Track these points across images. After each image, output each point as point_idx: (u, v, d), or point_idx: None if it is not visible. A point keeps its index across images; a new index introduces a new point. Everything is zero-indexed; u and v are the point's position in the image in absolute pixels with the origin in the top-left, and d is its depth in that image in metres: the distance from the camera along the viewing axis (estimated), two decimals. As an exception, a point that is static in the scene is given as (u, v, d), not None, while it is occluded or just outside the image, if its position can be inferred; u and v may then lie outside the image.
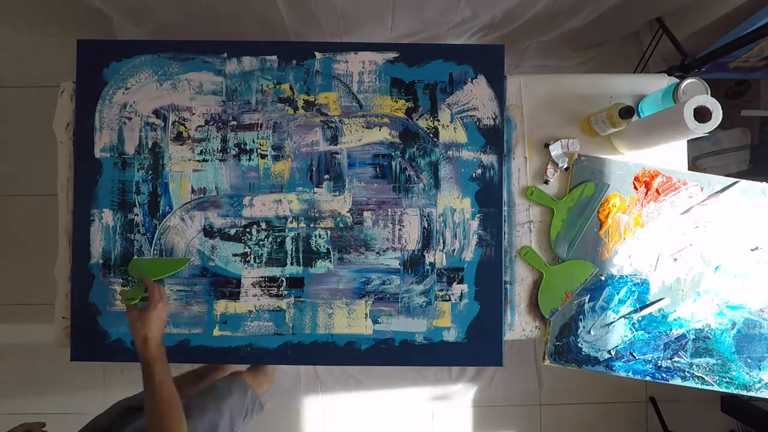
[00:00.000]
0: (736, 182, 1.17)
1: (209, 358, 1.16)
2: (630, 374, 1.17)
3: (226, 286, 1.16)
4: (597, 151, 1.20)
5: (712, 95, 1.02)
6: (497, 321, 1.17)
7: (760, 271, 1.18)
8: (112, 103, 1.15)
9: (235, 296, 1.16)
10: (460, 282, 1.17)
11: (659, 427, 2.02)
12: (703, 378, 1.18)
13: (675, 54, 1.57)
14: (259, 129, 1.16)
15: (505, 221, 1.18)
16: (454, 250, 1.17)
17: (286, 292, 1.16)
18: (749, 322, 1.18)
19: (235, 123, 1.16)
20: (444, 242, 1.17)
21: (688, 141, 1.21)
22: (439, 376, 2.09)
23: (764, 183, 1.18)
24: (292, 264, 1.16)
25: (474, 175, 1.17)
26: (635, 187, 1.17)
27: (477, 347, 1.16)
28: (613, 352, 1.16)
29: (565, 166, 1.19)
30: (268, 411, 2.05)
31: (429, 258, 1.17)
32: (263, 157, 1.16)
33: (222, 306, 1.15)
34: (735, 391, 1.18)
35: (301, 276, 1.16)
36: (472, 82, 1.17)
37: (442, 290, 1.17)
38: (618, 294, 1.17)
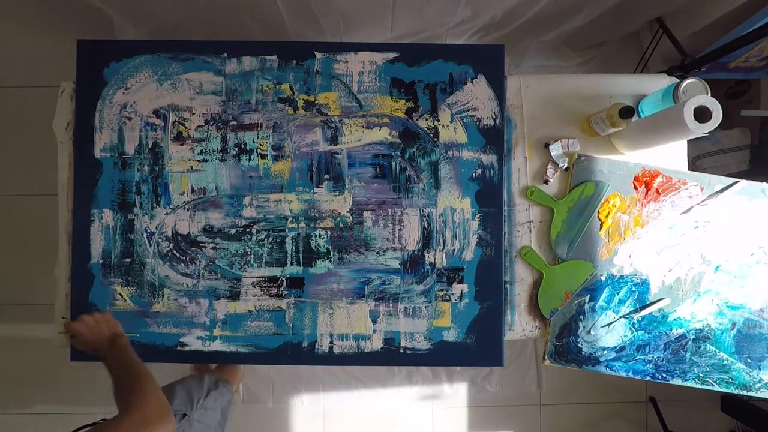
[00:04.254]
0: (736, 182, 1.17)
1: (209, 358, 1.16)
2: (630, 374, 1.17)
3: (226, 286, 1.16)
4: (597, 151, 1.20)
5: (712, 95, 1.02)
6: (497, 321, 1.17)
7: (760, 271, 1.18)
8: (112, 103, 1.15)
9: (235, 296, 1.16)
10: (460, 282, 1.17)
11: (659, 427, 2.02)
12: (703, 378, 1.18)
13: (675, 54, 1.58)
14: (259, 129, 1.16)
15: (505, 221, 1.18)
16: (454, 250, 1.17)
17: (286, 292, 1.16)
18: (749, 322, 1.18)
19: (235, 123, 1.16)
20: (444, 242, 1.17)
21: (688, 141, 1.21)
22: (438, 376, 2.09)
23: (764, 183, 1.18)
24: (292, 264, 1.16)
25: (474, 175, 1.17)
26: (635, 187, 1.17)
27: (477, 347, 1.17)
28: (613, 352, 1.16)
29: (565, 166, 1.19)
30: (269, 411, 2.06)
31: (429, 258, 1.17)
32: (263, 157, 1.16)
33: (222, 306, 1.16)
34: (735, 391, 1.18)
35: (301, 276, 1.16)
36: (472, 82, 1.17)
37: (442, 290, 1.17)
38: (618, 294, 1.17)
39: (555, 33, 1.76)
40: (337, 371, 2.08)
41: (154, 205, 1.15)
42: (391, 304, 1.17)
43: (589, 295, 1.17)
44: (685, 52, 1.50)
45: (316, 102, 1.16)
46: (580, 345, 1.17)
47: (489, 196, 1.17)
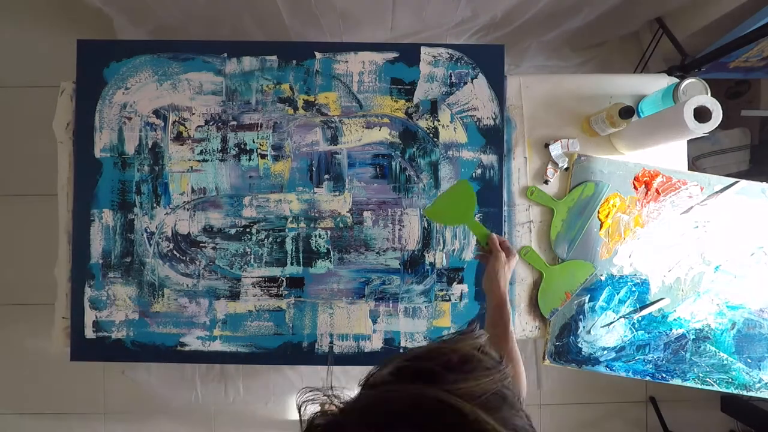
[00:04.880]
0: (736, 182, 1.17)
1: (209, 358, 1.16)
2: (630, 374, 1.17)
3: (227, 286, 1.16)
4: (597, 151, 1.20)
5: (712, 95, 1.02)
6: (497, 321, 1.16)
7: (760, 271, 1.18)
8: (112, 103, 1.15)
9: (235, 296, 1.16)
10: (460, 282, 1.17)
11: (659, 427, 2.01)
12: (703, 378, 1.18)
13: (675, 54, 1.58)
14: (259, 129, 1.16)
15: (505, 221, 1.18)
16: (454, 250, 1.17)
17: (286, 292, 1.16)
18: (749, 322, 1.18)
19: (235, 123, 1.16)
20: (444, 242, 1.17)
21: (688, 141, 1.21)
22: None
23: (764, 183, 1.18)
24: (292, 264, 1.16)
25: (474, 175, 1.17)
26: (635, 187, 1.17)
27: (477, 347, 1.16)
28: (613, 352, 1.16)
29: (565, 166, 1.18)
30: (269, 411, 2.06)
31: (429, 258, 1.17)
32: (263, 157, 1.16)
33: (222, 306, 1.16)
34: (735, 391, 1.18)
35: (301, 276, 1.16)
36: (472, 82, 1.17)
37: (442, 290, 1.17)
38: (618, 294, 1.17)
39: (555, 33, 1.76)
40: (337, 371, 2.07)
41: (154, 205, 1.15)
42: (391, 304, 1.17)
43: (589, 295, 1.17)
44: (685, 52, 1.50)
45: (316, 102, 1.16)
46: (580, 345, 1.17)
47: (489, 196, 1.17)
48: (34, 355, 2.03)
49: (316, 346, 1.17)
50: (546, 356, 1.18)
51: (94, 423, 2.05)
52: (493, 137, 1.17)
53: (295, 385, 2.07)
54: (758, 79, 1.69)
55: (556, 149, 1.18)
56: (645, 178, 1.17)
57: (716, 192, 1.17)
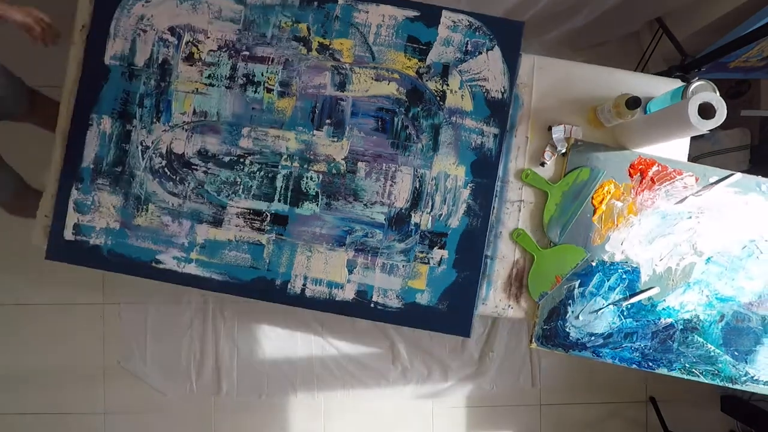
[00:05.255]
0: (731, 174, 1.16)
1: (182, 280, 1.13)
2: (616, 361, 1.13)
3: (211, 211, 1.14)
4: (599, 144, 1.20)
5: (714, 95, 1.02)
6: (471, 292, 1.14)
7: (751, 265, 1.16)
8: (130, 14, 1.16)
9: (217, 223, 1.14)
10: (442, 247, 1.15)
11: (659, 427, 1.96)
12: (689, 368, 1.14)
13: (675, 54, 1.60)
14: (269, 63, 1.17)
15: (496, 196, 1.17)
16: (441, 215, 1.15)
17: (268, 228, 1.14)
18: (738, 315, 1.15)
19: (247, 53, 1.17)
20: (432, 205, 1.16)
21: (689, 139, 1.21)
22: (439, 375, 2.03)
23: (759, 177, 1.17)
24: (279, 201, 1.15)
25: (473, 144, 1.17)
26: (630, 175, 1.17)
27: (447, 314, 1.14)
28: (600, 339, 1.13)
29: (563, 151, 1.18)
30: (266, 408, 2.01)
31: (415, 218, 1.15)
32: (269, 91, 1.17)
33: (203, 230, 1.14)
34: (720, 384, 1.14)
35: (286, 214, 1.15)
36: (486, 53, 1.18)
37: (422, 252, 1.15)
38: (608, 280, 1.15)
39: (555, 33, 1.80)
40: (333, 366, 2.03)
41: (154, 120, 1.15)
42: (369, 258, 1.15)
43: (579, 281, 1.15)
44: (685, 52, 1.52)
45: (330, 46, 1.18)
46: (567, 330, 1.14)
47: (484, 168, 1.16)
48: (35, 354, 2.00)
49: (289, 286, 1.14)
50: (533, 339, 1.15)
51: (94, 423, 2.00)
52: (499, 110, 1.18)
53: (289, 379, 2.01)
54: (758, 79, 1.71)
55: (558, 132, 1.18)
56: (641, 166, 1.16)
57: (711, 183, 1.16)
